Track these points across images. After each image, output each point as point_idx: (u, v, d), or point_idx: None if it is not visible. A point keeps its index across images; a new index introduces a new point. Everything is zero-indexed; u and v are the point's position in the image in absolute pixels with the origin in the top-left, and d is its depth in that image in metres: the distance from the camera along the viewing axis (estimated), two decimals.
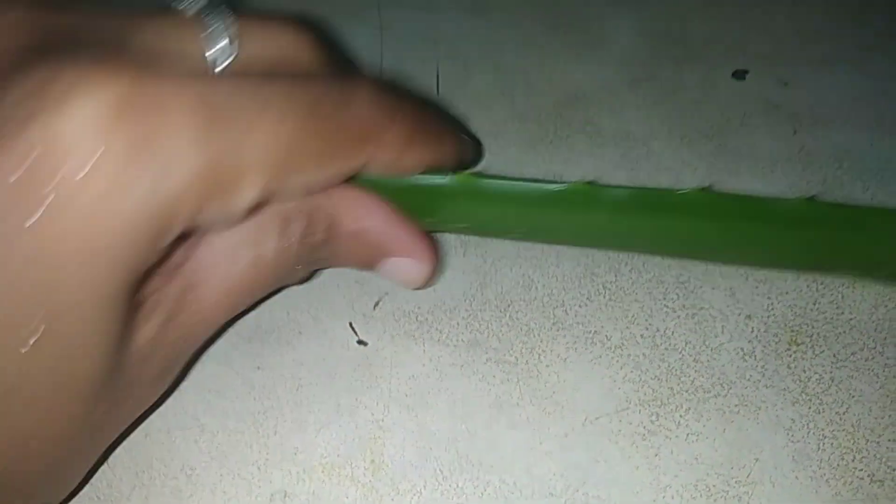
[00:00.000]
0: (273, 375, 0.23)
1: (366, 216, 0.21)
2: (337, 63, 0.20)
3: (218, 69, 0.18)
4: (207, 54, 0.18)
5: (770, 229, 0.22)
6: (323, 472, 0.21)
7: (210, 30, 0.18)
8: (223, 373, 0.23)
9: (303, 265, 0.21)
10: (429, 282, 0.23)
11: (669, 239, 0.23)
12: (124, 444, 0.22)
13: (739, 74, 0.32)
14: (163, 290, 0.18)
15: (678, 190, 0.21)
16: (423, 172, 0.21)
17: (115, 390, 0.18)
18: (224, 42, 0.18)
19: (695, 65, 0.32)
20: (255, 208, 0.18)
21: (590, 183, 0.21)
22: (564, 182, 0.21)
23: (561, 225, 0.23)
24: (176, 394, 0.23)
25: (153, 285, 0.18)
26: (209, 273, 0.19)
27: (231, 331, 0.24)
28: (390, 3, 0.36)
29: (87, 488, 0.21)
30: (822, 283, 0.25)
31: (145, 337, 0.18)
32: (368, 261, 0.22)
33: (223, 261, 0.19)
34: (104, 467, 0.21)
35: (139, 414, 0.20)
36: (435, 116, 0.22)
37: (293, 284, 0.23)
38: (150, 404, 0.21)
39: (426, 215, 0.22)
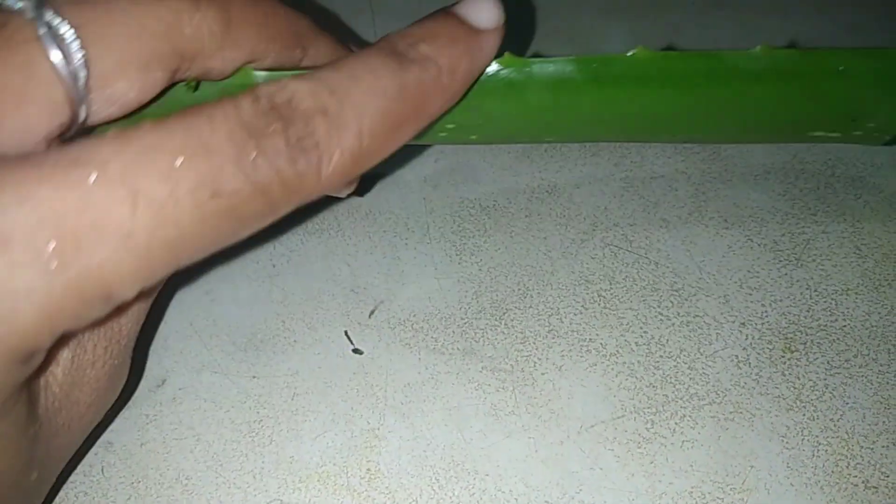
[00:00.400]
0: (268, 384, 0.23)
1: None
2: None
3: (80, 84, 0.15)
4: (57, 63, 0.15)
5: (735, 88, 0.21)
6: (318, 480, 0.21)
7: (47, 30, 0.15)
8: (219, 382, 0.23)
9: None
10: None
11: (631, 116, 0.22)
12: (119, 453, 0.22)
13: None
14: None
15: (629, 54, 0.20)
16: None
17: (40, 451, 0.17)
18: (74, 46, 0.15)
19: None
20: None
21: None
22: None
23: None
24: (172, 404, 0.23)
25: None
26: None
27: (226, 340, 0.24)
28: (384, 11, 0.37)
29: (83, 498, 0.21)
30: (816, 291, 0.25)
31: (52, 395, 0.17)
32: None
33: None
34: (100, 477, 0.21)
35: (86, 434, 0.20)
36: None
37: None
38: (97, 419, 0.20)
39: None
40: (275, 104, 0.15)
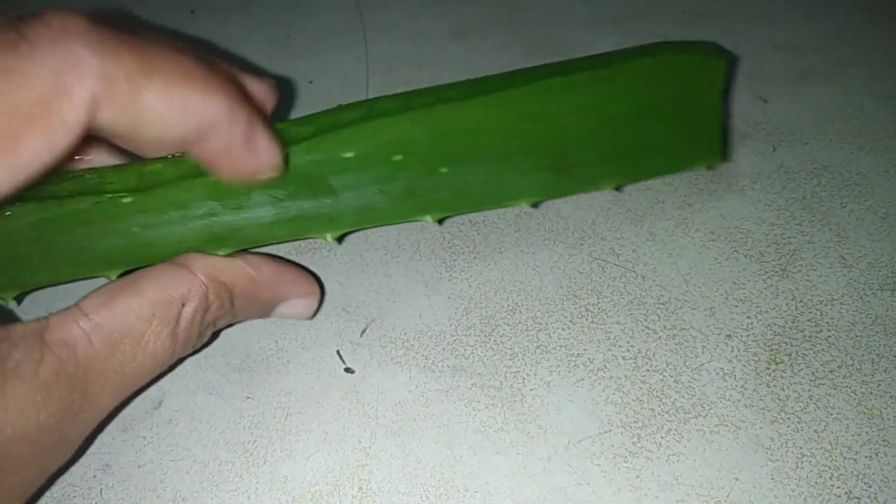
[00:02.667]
0: (262, 405, 0.24)
1: (258, 275, 0.22)
2: None
3: None
4: None
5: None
6: (312, 500, 0.21)
7: None
8: (213, 403, 0.24)
9: (210, 330, 0.23)
10: (316, 311, 0.25)
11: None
12: (117, 475, 0.22)
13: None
14: None
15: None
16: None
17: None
18: None
19: None
20: None
21: None
22: None
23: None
24: (168, 425, 0.23)
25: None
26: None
27: (221, 361, 0.25)
28: (375, 29, 0.37)
29: None
30: (801, 302, 0.25)
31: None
32: (266, 310, 0.24)
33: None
34: (98, 499, 0.22)
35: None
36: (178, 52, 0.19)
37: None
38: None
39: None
40: None
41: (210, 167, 0.20)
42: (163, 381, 0.24)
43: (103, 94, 0.17)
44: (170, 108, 0.18)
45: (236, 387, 0.24)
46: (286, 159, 0.21)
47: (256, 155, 0.20)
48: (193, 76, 0.18)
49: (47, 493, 0.22)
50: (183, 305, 0.21)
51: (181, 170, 0.21)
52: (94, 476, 0.22)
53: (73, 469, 0.23)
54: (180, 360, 0.23)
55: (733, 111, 0.32)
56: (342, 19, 0.38)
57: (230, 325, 0.25)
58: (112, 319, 0.20)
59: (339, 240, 0.24)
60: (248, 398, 0.24)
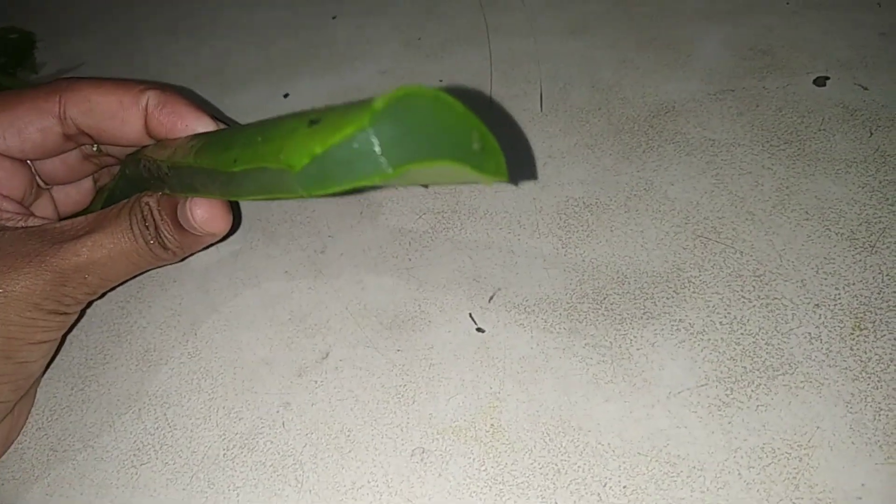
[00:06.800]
0: (409, 356, 0.28)
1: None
2: None
3: None
4: None
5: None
6: (452, 433, 0.26)
7: None
8: (370, 354, 0.29)
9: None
10: (227, 225, 0.28)
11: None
12: (295, 410, 0.28)
13: (820, 81, 0.35)
14: None
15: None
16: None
17: None
18: None
19: (777, 74, 0.35)
20: None
21: None
22: None
23: None
24: (335, 372, 0.29)
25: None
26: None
27: (374, 321, 0.30)
28: (497, 29, 0.41)
29: (269, 445, 0.27)
30: (887, 275, 0.28)
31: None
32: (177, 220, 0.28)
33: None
34: (281, 429, 0.27)
35: None
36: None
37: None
38: None
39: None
40: None
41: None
42: (329, 337, 0.30)
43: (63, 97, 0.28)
44: (110, 101, 0.28)
45: (388, 342, 0.29)
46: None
47: (183, 117, 0.28)
48: (123, 84, 0.28)
49: (239, 422, 0.28)
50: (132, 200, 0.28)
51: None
52: (277, 411, 0.28)
53: (258, 405, 0.28)
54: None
55: (833, 98, 0.34)
56: (468, 21, 0.42)
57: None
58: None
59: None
60: (398, 350, 0.29)
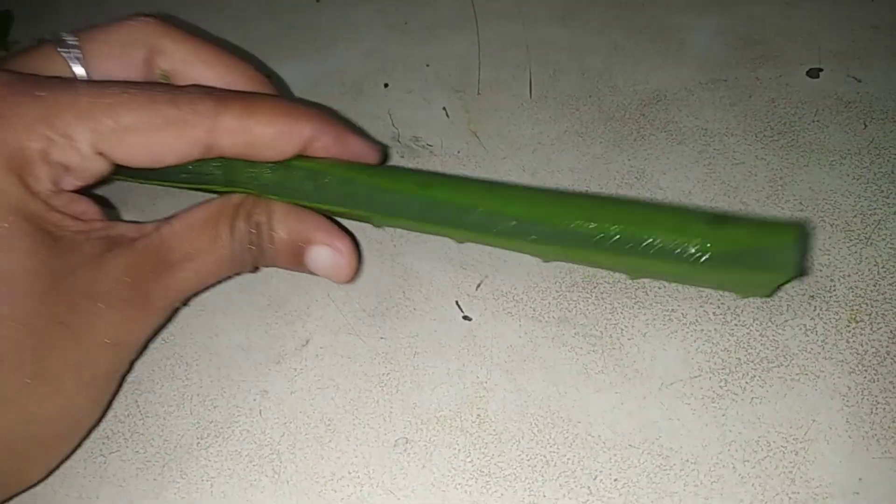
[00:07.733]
0: (393, 344, 0.27)
1: (297, 210, 0.27)
2: None
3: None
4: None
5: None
6: (437, 423, 0.25)
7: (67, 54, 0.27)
8: (352, 341, 0.28)
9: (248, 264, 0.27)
10: (355, 274, 0.28)
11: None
12: (273, 399, 0.27)
13: (814, 73, 0.34)
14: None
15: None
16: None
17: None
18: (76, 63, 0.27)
19: (771, 64, 0.35)
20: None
21: None
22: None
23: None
24: (315, 359, 0.27)
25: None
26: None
27: (357, 307, 0.29)
28: (486, 13, 0.40)
29: (245, 434, 0.26)
30: (883, 268, 0.27)
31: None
32: (296, 249, 0.27)
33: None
34: (258, 418, 0.26)
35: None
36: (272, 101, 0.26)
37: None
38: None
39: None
40: None
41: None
42: (309, 324, 0.29)
43: (215, 126, 0.25)
44: (272, 133, 0.25)
45: (371, 329, 0.28)
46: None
47: (348, 147, 0.27)
48: (283, 112, 0.26)
49: (214, 410, 0.27)
50: (237, 206, 0.26)
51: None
52: (254, 399, 0.27)
53: (235, 392, 0.27)
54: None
55: (826, 90, 0.33)
56: (455, 5, 0.41)
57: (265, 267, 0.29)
58: (187, 218, 0.26)
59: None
60: (381, 338, 0.28)
